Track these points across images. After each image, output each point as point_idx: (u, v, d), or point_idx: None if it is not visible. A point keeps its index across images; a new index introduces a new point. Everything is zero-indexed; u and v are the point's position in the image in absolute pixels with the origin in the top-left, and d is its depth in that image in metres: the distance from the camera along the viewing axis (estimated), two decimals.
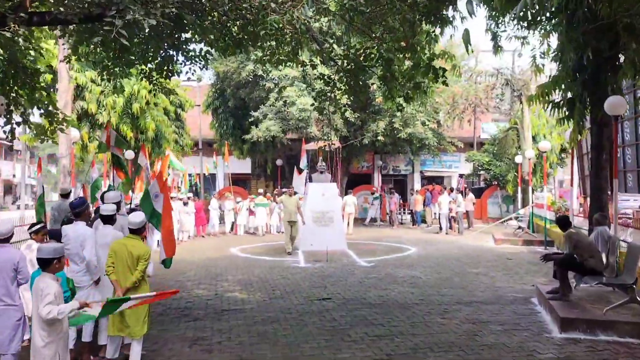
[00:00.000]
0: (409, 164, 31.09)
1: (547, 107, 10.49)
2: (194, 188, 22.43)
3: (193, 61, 8.65)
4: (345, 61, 7.41)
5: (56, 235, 5.90)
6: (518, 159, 21.65)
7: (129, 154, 18.47)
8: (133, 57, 8.25)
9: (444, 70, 7.38)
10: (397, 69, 7.46)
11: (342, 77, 7.74)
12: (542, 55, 11.07)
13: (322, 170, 15.81)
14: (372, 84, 17.43)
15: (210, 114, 26.66)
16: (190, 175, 24.80)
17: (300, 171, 19.15)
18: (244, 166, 29.38)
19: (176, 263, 12.89)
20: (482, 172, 27.08)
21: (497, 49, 11.49)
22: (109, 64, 8.20)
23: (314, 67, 7.86)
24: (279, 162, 25.93)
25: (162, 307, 8.29)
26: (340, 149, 20.31)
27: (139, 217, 5.52)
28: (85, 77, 16.81)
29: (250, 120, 22.30)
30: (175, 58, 8.57)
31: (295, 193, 15.68)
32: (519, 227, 18.74)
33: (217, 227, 20.38)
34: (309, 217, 15.16)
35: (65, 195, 9.34)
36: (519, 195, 22.45)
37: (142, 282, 5.34)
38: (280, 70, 20.34)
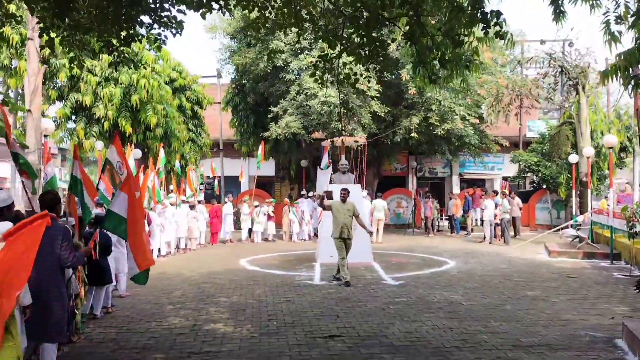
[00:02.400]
0: (446, 165, 28.61)
1: (629, 84, 8.11)
2: (203, 190, 20.56)
3: (161, 24, 6.66)
4: (353, 8, 5.20)
5: None
6: (572, 158, 18.95)
7: (136, 153, 16.71)
8: (80, 19, 6.32)
9: (498, 14, 5.13)
10: (428, 20, 5.26)
11: (350, 34, 5.60)
12: (619, 20, 8.69)
13: (345, 170, 13.59)
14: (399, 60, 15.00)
15: (230, 111, 24.83)
16: (207, 177, 23.01)
17: (322, 169, 16.97)
18: (267, 168, 27.36)
19: (169, 278, 11.01)
20: (529, 173, 24.30)
21: (558, 15, 9.15)
22: (51, 26, 6.27)
23: (313, 22, 5.73)
24: (303, 163, 23.86)
25: (113, 344, 6.28)
26: (366, 147, 18.05)
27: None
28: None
29: (270, 116, 20.32)
30: (138, 19, 6.61)
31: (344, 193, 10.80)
32: (577, 237, 16.08)
33: (230, 234, 18.44)
34: (329, 224, 12.95)
35: None
36: (573, 200, 19.72)
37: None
38: (301, 60, 18.31)
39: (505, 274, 11.37)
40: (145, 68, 15.67)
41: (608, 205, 19.36)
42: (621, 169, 24.14)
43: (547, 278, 10.91)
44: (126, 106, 15.81)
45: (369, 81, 12.25)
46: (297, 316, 7.55)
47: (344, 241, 10.44)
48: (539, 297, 8.91)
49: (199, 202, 17.24)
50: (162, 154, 16.15)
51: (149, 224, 12.49)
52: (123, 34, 6.56)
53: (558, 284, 10.19)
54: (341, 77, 5.93)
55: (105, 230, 6.74)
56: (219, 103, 26.00)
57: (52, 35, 6.68)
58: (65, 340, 5.31)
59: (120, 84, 15.38)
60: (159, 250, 14.09)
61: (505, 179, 27.56)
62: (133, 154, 16.85)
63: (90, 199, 6.68)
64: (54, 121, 15.58)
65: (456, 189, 27.28)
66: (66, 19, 6.18)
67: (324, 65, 6.00)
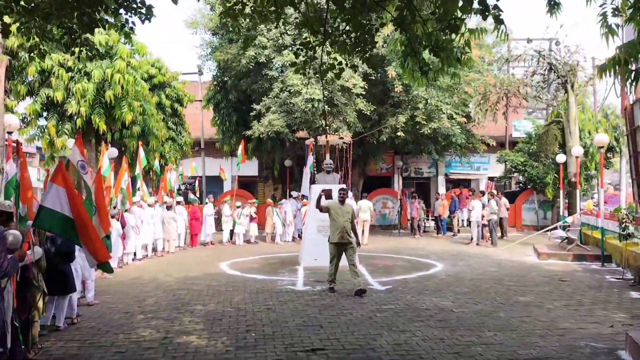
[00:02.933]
0: (432, 165, 28.26)
1: (628, 80, 7.72)
2: (182, 191, 19.91)
3: (128, 9, 6.09)
4: None
5: None
6: (560, 158, 18.66)
7: (112, 152, 15.99)
8: (39, 3, 5.72)
9: None
10: (419, 4, 4.76)
11: (335, 18, 5.07)
12: (616, 13, 8.30)
13: (329, 169, 13.09)
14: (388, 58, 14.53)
15: (211, 109, 24.15)
16: (187, 177, 22.35)
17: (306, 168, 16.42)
18: (250, 168, 26.72)
19: (142, 284, 10.38)
20: (515, 174, 24.02)
21: (552, 7, 8.75)
22: (4, 9, 5.66)
23: (294, 6, 5.20)
24: (287, 162, 23.29)
25: None
26: (352, 146, 17.53)
27: None
28: (51, 61, 14.33)
29: (252, 114, 19.71)
30: (102, 3, 6.02)
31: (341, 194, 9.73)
32: (565, 238, 15.76)
33: (210, 236, 17.81)
34: (313, 225, 12.55)
35: None
36: (561, 201, 19.42)
37: None
38: (284, 56, 17.76)
39: (495, 278, 10.95)
40: (112, 58, 14.91)
41: (595, 206, 19.17)
42: (608, 169, 24.00)
43: (539, 282, 10.51)
44: (100, 102, 15.05)
45: (355, 71, 11.65)
46: (277, 326, 7.01)
47: (342, 246, 9.37)
48: (533, 303, 8.49)
49: (178, 203, 16.61)
50: (142, 153, 15.44)
51: (123, 227, 11.88)
52: (85, 19, 5.96)
53: (551, 289, 9.80)
54: (324, 67, 5.40)
55: (40, 228, 6.17)
56: (200, 101, 25.30)
57: (8, 20, 6.07)
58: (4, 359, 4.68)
59: (91, 77, 14.62)
60: (134, 254, 13.45)
61: (491, 179, 27.29)
62: (109, 152, 16.13)
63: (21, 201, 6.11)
64: (23, 119, 14.82)
65: (442, 189, 26.93)
66: (21, 2, 5.58)
67: (306, 54, 5.48)
